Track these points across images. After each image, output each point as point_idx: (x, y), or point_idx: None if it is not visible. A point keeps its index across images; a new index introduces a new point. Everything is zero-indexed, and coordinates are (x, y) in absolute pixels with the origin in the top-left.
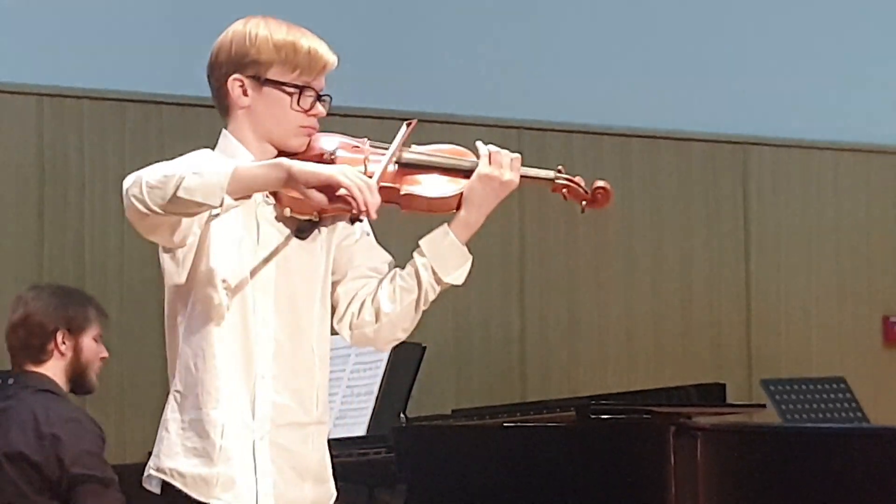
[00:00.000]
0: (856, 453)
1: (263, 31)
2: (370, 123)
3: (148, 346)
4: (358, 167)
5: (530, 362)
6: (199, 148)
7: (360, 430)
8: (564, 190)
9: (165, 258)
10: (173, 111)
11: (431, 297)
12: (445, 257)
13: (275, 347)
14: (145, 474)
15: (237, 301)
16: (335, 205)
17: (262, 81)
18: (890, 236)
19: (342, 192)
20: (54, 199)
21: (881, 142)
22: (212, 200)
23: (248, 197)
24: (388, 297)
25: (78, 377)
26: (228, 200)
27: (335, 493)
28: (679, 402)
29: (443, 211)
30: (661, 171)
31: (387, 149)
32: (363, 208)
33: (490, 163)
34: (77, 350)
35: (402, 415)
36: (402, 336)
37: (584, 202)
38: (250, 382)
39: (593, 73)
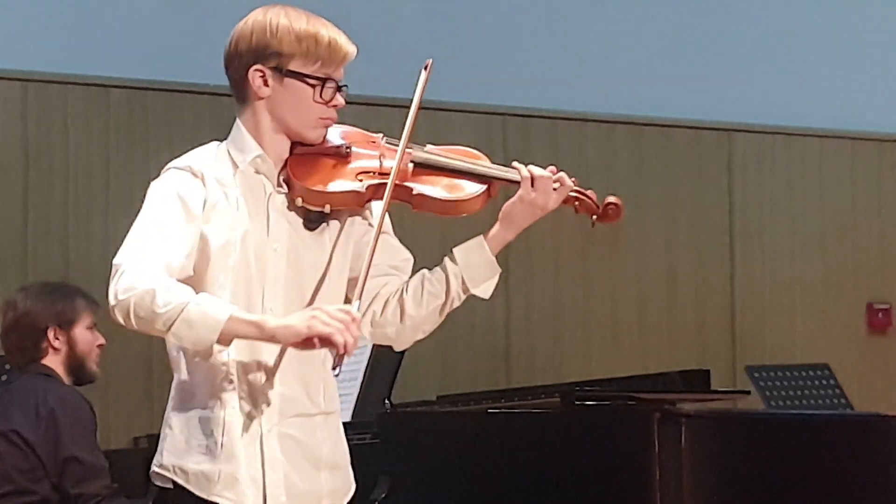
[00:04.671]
0: (840, 440)
1: (284, 21)
2: (354, 109)
3: (132, 332)
4: (373, 162)
5: (515, 348)
6: (182, 133)
7: (345, 416)
8: (576, 203)
9: None
10: (158, 97)
11: (456, 304)
12: (477, 269)
13: None
14: (151, 471)
15: (245, 293)
16: (322, 348)
17: (283, 73)
18: (874, 223)
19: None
20: (39, 185)
21: (865, 129)
22: (199, 348)
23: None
24: (414, 299)
25: (77, 368)
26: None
27: (353, 483)
28: (663, 389)
29: (454, 214)
30: (646, 157)
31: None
32: (342, 351)
33: (533, 186)
34: (71, 343)
35: (386, 401)
36: (421, 337)
37: (594, 216)
38: (258, 374)
39: (577, 59)
